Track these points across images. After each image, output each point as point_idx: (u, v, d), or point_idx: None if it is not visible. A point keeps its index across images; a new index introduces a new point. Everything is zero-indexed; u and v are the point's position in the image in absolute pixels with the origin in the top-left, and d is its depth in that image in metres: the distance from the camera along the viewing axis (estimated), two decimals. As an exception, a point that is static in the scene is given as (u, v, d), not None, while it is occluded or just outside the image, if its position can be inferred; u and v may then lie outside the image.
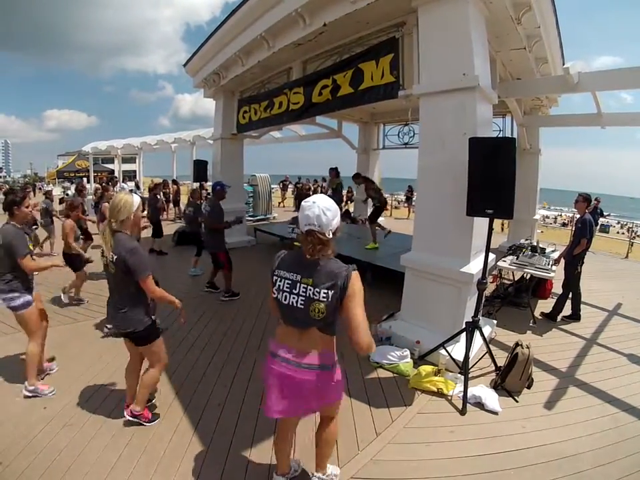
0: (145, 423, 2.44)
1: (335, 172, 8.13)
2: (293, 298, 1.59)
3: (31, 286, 2.79)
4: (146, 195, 9.98)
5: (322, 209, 1.49)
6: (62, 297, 4.48)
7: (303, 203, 1.56)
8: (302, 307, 1.57)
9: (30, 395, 2.71)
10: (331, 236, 1.53)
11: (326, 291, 1.52)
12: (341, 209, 8.57)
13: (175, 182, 12.65)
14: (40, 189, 13.48)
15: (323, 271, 1.53)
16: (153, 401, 2.67)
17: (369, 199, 6.90)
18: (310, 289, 1.55)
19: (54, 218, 7.14)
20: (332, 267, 1.54)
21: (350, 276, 1.51)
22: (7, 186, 18.93)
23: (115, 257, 2.09)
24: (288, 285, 1.60)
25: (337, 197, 8.37)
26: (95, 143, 19.86)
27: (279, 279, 1.63)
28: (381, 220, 10.73)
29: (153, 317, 2.32)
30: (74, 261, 4.44)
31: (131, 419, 2.42)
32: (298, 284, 1.58)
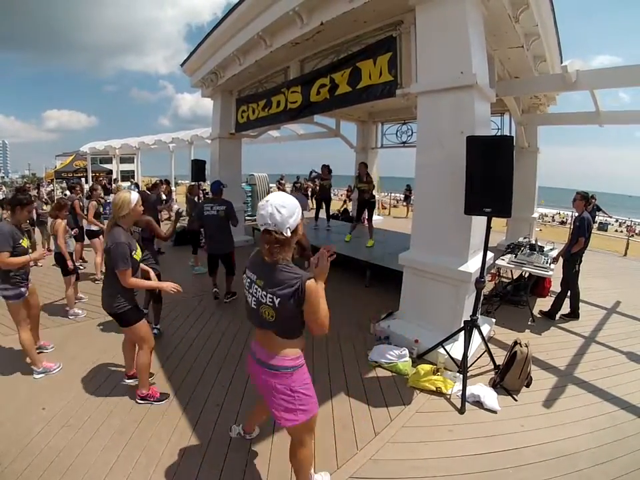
0: (154, 403, 2.61)
1: (327, 169, 8.08)
2: (249, 297, 1.63)
3: (25, 279, 2.95)
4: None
5: (275, 206, 1.43)
6: (70, 315, 4.11)
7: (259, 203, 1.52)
8: (255, 307, 1.60)
9: (41, 376, 2.90)
10: (288, 234, 1.47)
11: (272, 297, 1.50)
12: (329, 208, 8.47)
13: (166, 181, 12.63)
14: (42, 186, 13.31)
15: (276, 277, 1.50)
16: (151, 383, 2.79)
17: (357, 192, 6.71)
18: (259, 291, 1.55)
19: (42, 219, 6.99)
20: (285, 275, 1.49)
21: (303, 287, 1.46)
22: (3, 187, 18.98)
23: (107, 246, 2.32)
24: (248, 284, 1.63)
25: (325, 195, 8.38)
26: (93, 143, 19.76)
27: (245, 277, 1.67)
28: (377, 219, 10.76)
29: (136, 304, 2.53)
30: (65, 262, 4.25)
31: (140, 401, 2.61)
32: (253, 284, 1.59)
